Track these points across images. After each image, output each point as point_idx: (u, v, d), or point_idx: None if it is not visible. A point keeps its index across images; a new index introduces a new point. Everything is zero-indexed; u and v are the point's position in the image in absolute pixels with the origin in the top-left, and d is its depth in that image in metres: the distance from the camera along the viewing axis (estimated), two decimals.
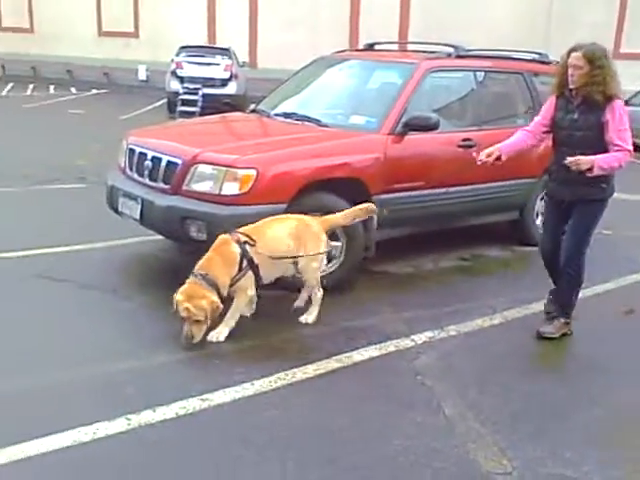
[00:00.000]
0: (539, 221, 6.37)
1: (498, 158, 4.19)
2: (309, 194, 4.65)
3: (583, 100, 3.98)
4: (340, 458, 2.91)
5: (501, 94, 6.32)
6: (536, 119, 4.31)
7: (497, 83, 6.24)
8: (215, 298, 3.75)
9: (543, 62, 6.57)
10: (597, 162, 3.87)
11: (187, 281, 3.78)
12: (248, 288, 4.02)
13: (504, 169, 5.83)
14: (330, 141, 5.00)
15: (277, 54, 19.19)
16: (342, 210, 4.75)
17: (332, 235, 4.81)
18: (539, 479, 2.83)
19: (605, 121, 3.93)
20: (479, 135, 5.60)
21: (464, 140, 5.51)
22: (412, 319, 4.48)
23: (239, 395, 3.36)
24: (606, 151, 3.95)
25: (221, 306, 3.79)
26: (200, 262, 3.86)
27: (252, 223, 4.28)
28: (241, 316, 4.07)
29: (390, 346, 4.04)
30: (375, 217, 4.97)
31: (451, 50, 5.88)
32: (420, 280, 5.36)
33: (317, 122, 5.32)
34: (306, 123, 5.34)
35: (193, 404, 3.23)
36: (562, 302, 4.31)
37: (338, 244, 4.83)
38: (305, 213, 4.64)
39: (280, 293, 4.66)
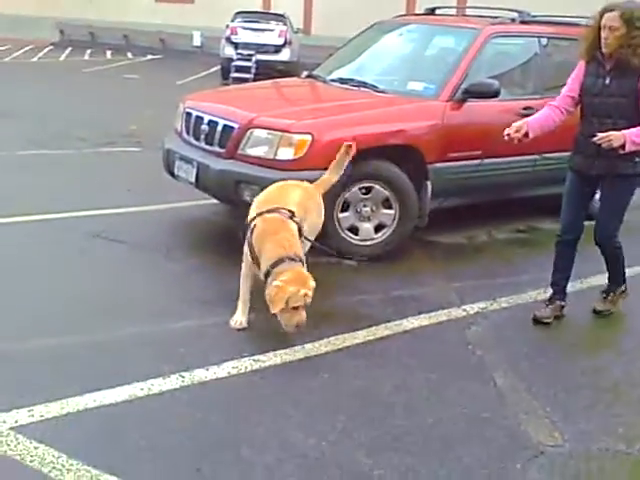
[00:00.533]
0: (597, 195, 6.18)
1: (526, 135, 3.86)
2: (364, 161, 4.60)
3: (617, 64, 3.66)
4: (388, 422, 2.91)
5: (564, 61, 6.05)
6: (563, 91, 3.95)
7: (561, 50, 5.99)
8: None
9: None
10: (629, 137, 3.55)
11: (280, 268, 3.41)
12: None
13: (561, 140, 5.69)
14: (386, 107, 4.93)
15: (331, 21, 18.97)
16: (398, 179, 4.71)
17: (385, 203, 4.78)
18: (591, 453, 2.78)
19: None
20: (541, 103, 5.34)
21: (525, 108, 5.33)
22: (464, 289, 4.42)
23: (290, 358, 3.39)
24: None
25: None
26: (275, 246, 3.48)
27: None
28: None
29: (441, 315, 4.01)
30: (429, 185, 4.92)
31: (515, 15, 5.70)
32: (473, 251, 5.28)
33: (374, 88, 5.24)
34: (362, 89, 5.27)
35: (245, 364, 3.28)
36: (615, 277, 4.15)
37: (391, 212, 4.78)
38: (360, 180, 4.63)
39: (330, 260, 4.68)
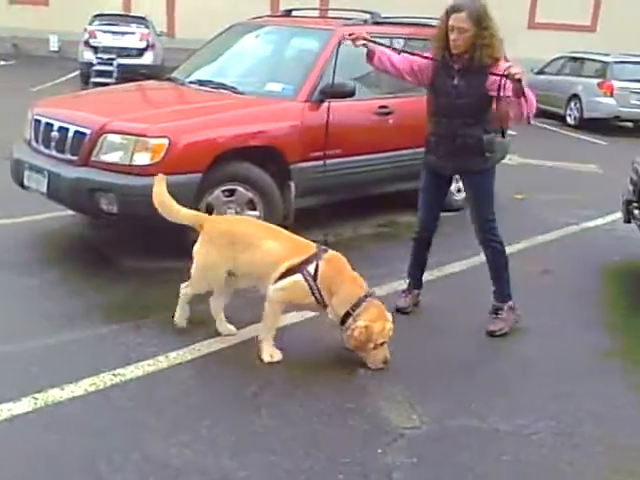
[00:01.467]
0: (454, 187, 6.52)
1: (370, 55, 3.83)
2: (225, 163, 4.58)
3: (465, 65, 3.65)
4: (254, 422, 2.91)
5: None
6: (413, 57, 3.90)
7: (415, 50, 6.26)
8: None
9: None
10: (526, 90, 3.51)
11: (362, 308, 3.36)
12: None
13: (420, 136, 5.95)
14: (245, 109, 4.93)
15: (196, 23, 18.69)
16: (261, 181, 4.72)
17: (249, 204, 4.78)
18: (446, 431, 2.93)
19: (493, 83, 3.60)
20: (396, 102, 5.65)
21: (381, 107, 5.53)
22: None
23: (152, 369, 3.30)
24: (487, 121, 3.75)
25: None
26: (354, 286, 3.43)
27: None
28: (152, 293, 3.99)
29: (307, 313, 4.05)
30: (293, 185, 4.97)
31: (367, 17, 5.87)
32: (339, 247, 5.32)
33: (233, 89, 5.22)
34: (221, 91, 5.24)
35: (104, 380, 3.15)
36: (499, 281, 4.03)
37: (256, 213, 4.78)
38: (221, 182, 4.59)
39: None
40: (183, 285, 3.69)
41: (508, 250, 5.46)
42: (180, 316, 3.71)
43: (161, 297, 4.08)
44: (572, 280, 4.94)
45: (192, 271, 3.61)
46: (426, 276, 4.39)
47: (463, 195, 6.62)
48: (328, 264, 3.42)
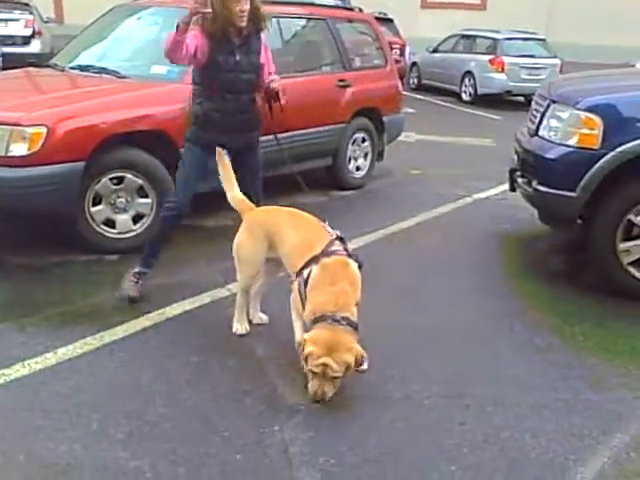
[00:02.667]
0: (352, 166, 6.61)
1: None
2: (111, 149, 4.42)
3: (245, 39, 3.74)
4: (147, 412, 2.85)
5: (305, 41, 6.36)
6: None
7: (300, 29, 6.26)
8: (360, 348, 2.92)
9: (346, 8, 6.71)
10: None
11: (318, 325, 2.90)
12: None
13: (312, 116, 5.97)
14: (129, 92, 4.75)
15: (84, 8, 17.89)
16: (150, 167, 4.58)
17: (140, 191, 4.65)
18: (342, 402, 2.95)
19: (262, 54, 3.88)
20: (284, 83, 5.61)
21: (268, 86, 5.48)
22: (228, 270, 4.42)
23: (40, 366, 3.16)
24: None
25: (365, 357, 2.97)
26: (327, 298, 2.94)
27: (46, 185, 4.04)
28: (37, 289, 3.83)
29: (205, 298, 4.00)
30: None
31: None
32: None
33: (115, 74, 5.04)
34: (104, 75, 5.05)
35: None
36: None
37: (148, 201, 4.66)
38: (108, 170, 4.44)
39: (90, 258, 4.46)
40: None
41: (405, 224, 5.67)
42: (241, 321, 3.56)
43: (47, 294, 3.91)
44: (465, 249, 5.11)
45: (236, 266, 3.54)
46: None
47: (363, 173, 6.77)
48: (321, 271, 3.03)
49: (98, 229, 4.53)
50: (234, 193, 3.64)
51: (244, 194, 3.69)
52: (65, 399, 2.91)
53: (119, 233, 4.61)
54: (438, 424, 2.85)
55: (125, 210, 4.62)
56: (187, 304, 3.90)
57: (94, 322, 3.60)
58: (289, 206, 6.04)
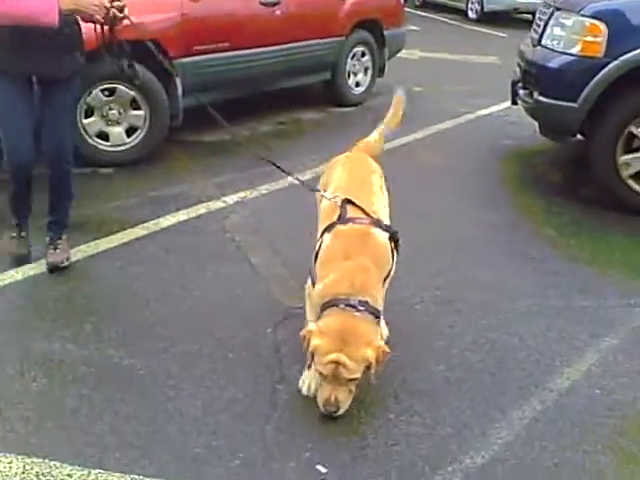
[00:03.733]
0: (351, 81, 6.46)
1: None
2: (101, 60, 4.30)
3: None
4: (141, 315, 2.88)
5: None
6: None
7: None
8: (383, 344, 2.28)
9: None
10: None
11: (328, 312, 2.25)
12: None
13: (310, 28, 5.79)
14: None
15: None
16: (143, 77, 4.47)
17: (133, 103, 4.56)
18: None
19: None
20: None
21: None
22: (224, 183, 4.44)
23: (34, 272, 3.18)
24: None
25: (389, 353, 2.26)
26: (339, 276, 2.29)
27: None
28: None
29: (200, 209, 3.99)
30: (178, 82, 4.76)
31: None
32: (235, 146, 5.27)
33: None
34: None
35: None
36: (65, 208, 3.32)
37: (140, 113, 4.58)
38: (99, 81, 4.33)
39: (84, 171, 4.43)
40: None
41: (406, 139, 5.59)
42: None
43: (41, 204, 3.86)
44: (464, 164, 5.05)
45: None
46: (323, 168, 4.37)
47: (362, 89, 6.62)
48: (334, 242, 2.42)
49: (91, 141, 4.48)
50: None
51: (41, 146, 3.04)
52: (59, 302, 2.95)
53: (112, 146, 4.56)
54: (428, 327, 2.88)
55: (118, 123, 4.55)
56: (182, 215, 3.89)
57: (88, 232, 3.61)
58: (284, 122, 6.05)
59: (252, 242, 3.60)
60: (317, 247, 2.47)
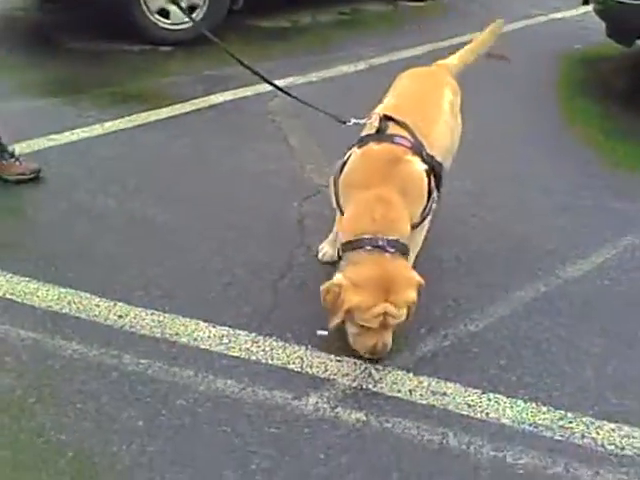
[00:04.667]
0: None
1: None
2: None
3: None
4: (179, 180, 3.07)
5: None
6: None
7: None
8: (417, 275, 2.06)
9: None
10: None
11: (353, 257, 2.02)
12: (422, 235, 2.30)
13: None
14: None
15: None
16: None
17: None
18: None
19: None
20: None
21: None
22: (277, 67, 4.45)
23: (87, 135, 3.40)
24: None
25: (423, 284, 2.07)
26: (361, 213, 2.05)
27: None
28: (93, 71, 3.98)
29: (247, 91, 4.08)
30: None
31: None
32: (294, 33, 5.30)
33: None
34: None
35: (37, 143, 3.26)
36: None
37: None
38: None
39: (144, 47, 4.59)
40: None
41: (468, 38, 5.40)
42: None
43: (100, 76, 4.11)
44: (526, 64, 4.91)
45: None
46: (379, 60, 4.36)
47: None
48: (360, 160, 2.15)
49: (152, 18, 4.59)
50: None
51: None
52: (107, 162, 3.17)
53: (173, 24, 4.66)
54: (452, 214, 2.91)
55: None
56: (230, 95, 4.01)
57: (141, 103, 3.79)
58: (346, 13, 5.93)
59: (292, 124, 3.69)
60: (345, 157, 2.22)
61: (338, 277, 2.00)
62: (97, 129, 3.44)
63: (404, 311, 1.99)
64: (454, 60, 2.70)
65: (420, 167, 2.13)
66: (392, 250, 1.98)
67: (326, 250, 2.52)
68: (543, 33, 5.74)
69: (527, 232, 2.84)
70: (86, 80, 4.04)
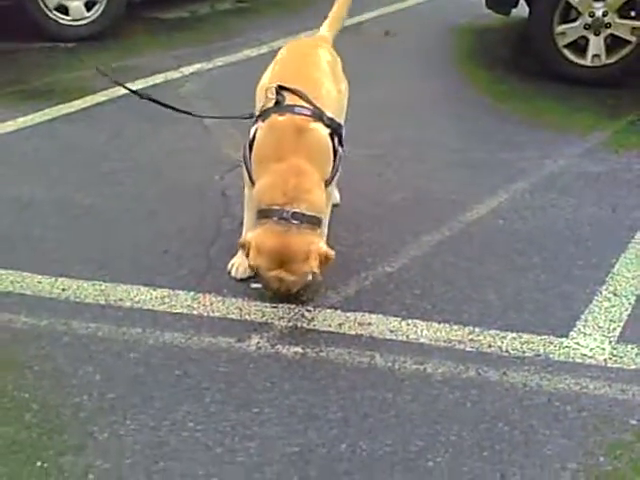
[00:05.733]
0: None
1: None
2: None
3: None
4: (102, 165, 3.18)
5: None
6: None
7: None
8: (323, 245, 2.20)
9: None
10: None
11: (263, 225, 2.16)
12: (335, 187, 2.56)
13: None
14: None
15: None
16: None
17: None
18: None
19: None
20: None
21: None
22: (182, 55, 4.63)
23: (1, 131, 3.44)
24: None
25: (333, 255, 2.20)
26: (272, 181, 2.17)
27: None
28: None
29: (158, 78, 4.22)
30: None
31: None
32: (194, 22, 5.43)
33: None
34: None
35: None
36: None
37: None
38: None
39: (45, 45, 4.59)
40: None
41: (358, 19, 5.71)
42: None
43: (5, 76, 4.16)
44: (418, 38, 5.27)
45: None
46: (279, 43, 4.56)
47: None
48: (267, 135, 2.25)
49: (51, 15, 4.61)
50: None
51: None
52: (26, 155, 3.24)
53: (72, 20, 4.70)
54: (358, 176, 3.15)
55: None
56: (140, 83, 4.11)
57: (51, 98, 3.85)
58: (244, 1, 6.12)
59: (206, 106, 3.85)
60: (251, 135, 2.29)
61: (250, 235, 2.19)
62: (11, 125, 3.49)
63: (302, 279, 2.19)
64: (324, 31, 2.81)
65: (324, 132, 2.26)
66: (296, 222, 2.13)
67: (237, 267, 2.40)
68: (432, 9, 6.12)
69: (428, 186, 3.14)
70: None
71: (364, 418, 1.85)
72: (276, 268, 2.14)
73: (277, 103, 2.26)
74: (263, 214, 2.17)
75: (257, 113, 2.34)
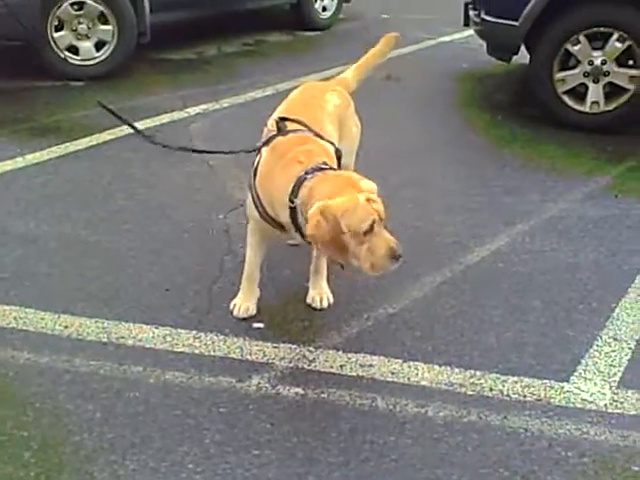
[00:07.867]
0: (318, 5, 6.65)
1: None
2: None
3: None
4: (107, 203, 3.22)
5: None
6: None
7: None
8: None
9: None
10: None
11: (312, 180, 2.07)
12: None
13: None
14: None
15: None
16: None
17: (101, 18, 4.78)
18: None
19: None
20: None
21: None
22: (189, 96, 4.72)
23: (10, 167, 3.50)
24: None
25: None
26: (286, 168, 2.15)
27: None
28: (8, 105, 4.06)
29: (165, 118, 4.29)
30: None
31: None
32: (201, 64, 5.54)
33: None
34: None
35: None
36: None
37: (109, 28, 4.80)
38: None
39: (55, 84, 4.67)
40: None
41: None
42: None
43: (16, 113, 4.21)
44: (419, 83, 5.37)
45: None
46: (284, 85, 4.65)
47: (329, 13, 6.83)
48: (270, 152, 2.25)
49: (62, 55, 4.72)
50: None
51: None
52: (33, 192, 3.28)
53: (83, 60, 4.80)
54: None
55: (87, 37, 4.78)
56: (148, 122, 4.19)
57: (59, 135, 3.91)
58: (250, 44, 6.26)
59: (211, 146, 3.88)
60: (255, 162, 2.30)
61: (317, 205, 1.97)
62: (20, 162, 3.55)
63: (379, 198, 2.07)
64: (349, 73, 2.84)
65: (327, 143, 2.29)
66: (327, 167, 2.11)
67: (239, 306, 2.41)
68: (433, 55, 6.26)
69: (429, 228, 3.17)
70: (2, 117, 4.11)
71: (365, 462, 1.84)
72: (358, 192, 2.01)
73: (279, 130, 2.29)
74: (298, 184, 2.06)
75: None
